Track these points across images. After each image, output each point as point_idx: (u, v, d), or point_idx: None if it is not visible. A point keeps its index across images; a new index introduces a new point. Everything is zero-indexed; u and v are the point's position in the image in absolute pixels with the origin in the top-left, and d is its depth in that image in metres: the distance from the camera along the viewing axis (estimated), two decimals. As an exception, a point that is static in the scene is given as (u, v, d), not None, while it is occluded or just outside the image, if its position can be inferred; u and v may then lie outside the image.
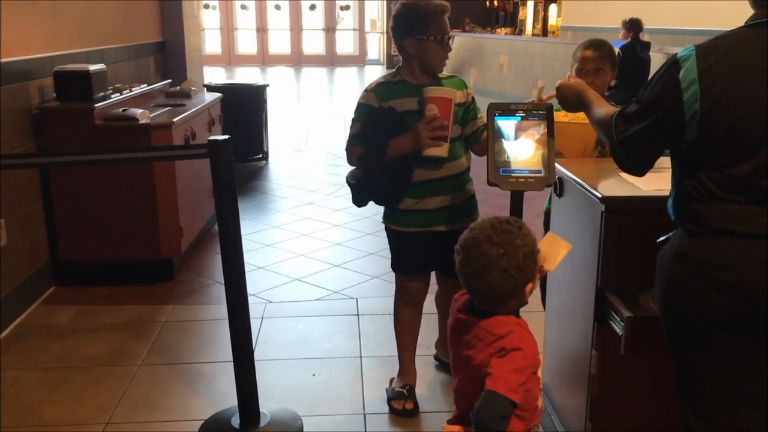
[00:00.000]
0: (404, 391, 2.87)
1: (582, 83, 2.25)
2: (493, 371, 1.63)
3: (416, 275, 2.84)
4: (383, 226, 2.85)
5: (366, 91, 2.71)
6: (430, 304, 3.01)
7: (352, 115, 2.72)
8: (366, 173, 2.71)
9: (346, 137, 2.73)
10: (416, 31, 2.58)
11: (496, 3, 19.77)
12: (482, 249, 1.68)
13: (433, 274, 2.92)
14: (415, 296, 2.88)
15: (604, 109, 1.99)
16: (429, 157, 2.58)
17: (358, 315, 3.75)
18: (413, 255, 2.80)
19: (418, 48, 2.60)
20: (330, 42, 21.56)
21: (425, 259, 2.81)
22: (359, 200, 2.77)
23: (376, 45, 22.42)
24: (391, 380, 2.98)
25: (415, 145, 2.57)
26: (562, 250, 1.94)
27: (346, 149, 2.74)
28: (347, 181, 2.76)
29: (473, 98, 2.77)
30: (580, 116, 2.66)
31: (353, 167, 2.75)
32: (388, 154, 2.61)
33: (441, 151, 2.58)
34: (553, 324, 2.72)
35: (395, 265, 2.88)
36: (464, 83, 2.77)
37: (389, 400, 2.88)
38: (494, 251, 1.66)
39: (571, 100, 2.19)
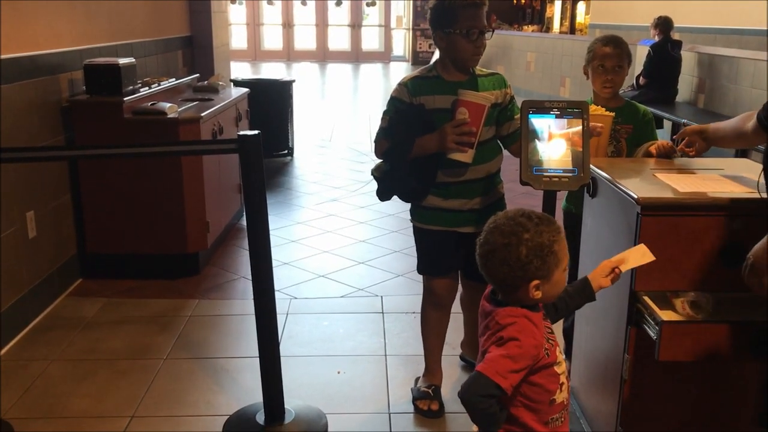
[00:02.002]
0: (430, 391, 2.84)
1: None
2: (487, 355, 1.68)
3: (441, 275, 2.79)
4: (408, 223, 2.82)
5: (399, 84, 2.66)
6: (456, 303, 2.97)
7: (385, 107, 2.70)
8: (391, 168, 2.68)
9: (373, 132, 2.71)
10: (445, 24, 2.53)
11: (523, 0, 19.64)
12: (491, 236, 1.71)
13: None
14: (442, 298, 2.83)
15: None
16: (452, 160, 2.54)
17: (382, 313, 3.73)
18: (438, 254, 2.76)
19: (447, 42, 2.55)
20: (355, 38, 21.55)
21: (450, 259, 2.76)
22: (383, 194, 2.75)
23: (402, 41, 22.37)
24: (416, 380, 2.96)
25: (440, 147, 2.52)
26: (645, 259, 1.90)
27: (375, 141, 2.72)
28: (372, 174, 2.74)
29: (512, 98, 2.69)
30: (591, 108, 2.59)
31: (380, 160, 2.73)
32: (413, 152, 2.57)
33: (465, 157, 2.52)
34: (583, 326, 2.67)
35: (420, 267, 2.84)
36: (504, 82, 2.69)
37: (414, 400, 2.86)
38: (500, 240, 1.69)
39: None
